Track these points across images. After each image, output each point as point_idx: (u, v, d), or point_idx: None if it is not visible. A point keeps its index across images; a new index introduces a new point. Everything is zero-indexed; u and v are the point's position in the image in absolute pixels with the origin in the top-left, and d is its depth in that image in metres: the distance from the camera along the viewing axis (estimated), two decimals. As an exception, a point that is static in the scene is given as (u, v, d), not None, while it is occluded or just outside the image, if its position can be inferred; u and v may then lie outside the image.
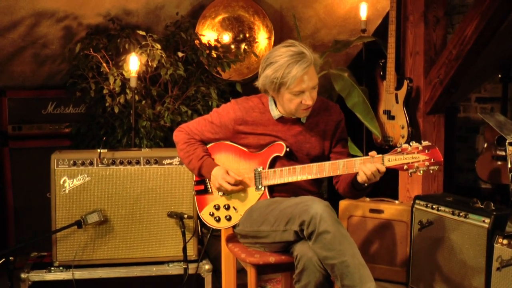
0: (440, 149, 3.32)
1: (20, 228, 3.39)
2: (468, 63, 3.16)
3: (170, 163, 2.82)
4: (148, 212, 2.81)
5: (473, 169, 4.22)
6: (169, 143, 3.25)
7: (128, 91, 3.24)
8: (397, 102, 3.34)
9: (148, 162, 2.80)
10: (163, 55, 3.20)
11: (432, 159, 2.11)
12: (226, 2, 3.65)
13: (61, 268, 2.73)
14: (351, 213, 3.25)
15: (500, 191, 4.14)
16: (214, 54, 3.43)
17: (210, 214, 2.40)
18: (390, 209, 3.18)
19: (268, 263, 2.22)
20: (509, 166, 2.70)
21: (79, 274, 2.72)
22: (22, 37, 3.28)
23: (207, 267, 2.83)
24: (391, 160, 2.14)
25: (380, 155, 2.15)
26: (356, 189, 2.25)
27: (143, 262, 2.81)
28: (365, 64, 3.72)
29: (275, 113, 2.31)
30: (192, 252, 2.84)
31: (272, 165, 2.32)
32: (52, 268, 2.73)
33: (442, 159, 2.12)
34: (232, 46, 3.69)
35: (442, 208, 2.83)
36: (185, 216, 2.76)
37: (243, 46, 3.69)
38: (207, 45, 3.46)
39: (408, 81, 3.30)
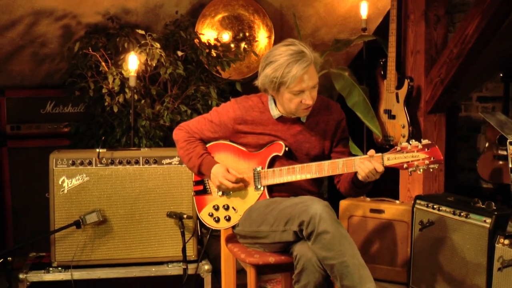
0: (441, 148, 3.35)
1: (18, 228, 3.38)
2: (469, 62, 3.15)
3: (170, 163, 2.81)
4: (147, 212, 2.80)
5: (475, 168, 4.21)
6: (168, 143, 3.25)
7: (127, 90, 3.24)
8: (397, 101, 3.33)
9: (147, 161, 2.80)
10: (163, 54, 3.20)
11: (432, 158, 2.10)
12: (226, 0, 3.65)
13: (59, 268, 2.73)
14: (352, 213, 3.24)
15: (502, 191, 4.14)
16: (213, 53, 3.43)
17: (209, 215, 2.39)
18: (390, 209, 3.17)
19: (267, 263, 2.22)
20: (510, 165, 2.69)
21: (78, 274, 2.71)
22: (20, 36, 3.28)
23: (206, 267, 2.82)
24: (391, 159, 2.13)
25: (380, 154, 2.14)
26: (357, 186, 2.24)
27: (142, 263, 2.80)
28: (365, 63, 3.72)
29: (274, 112, 2.30)
30: (191, 252, 2.83)
31: (271, 164, 2.31)
32: (51, 269, 2.72)
33: (442, 158, 2.11)
34: (232, 45, 3.68)
35: (443, 208, 2.82)
36: (185, 216, 2.76)
37: (243, 45, 3.69)
38: (207, 44, 3.46)
39: (409, 80, 3.30)
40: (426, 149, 2.11)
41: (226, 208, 2.36)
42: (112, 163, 2.77)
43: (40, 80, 3.56)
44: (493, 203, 2.67)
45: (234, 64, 3.49)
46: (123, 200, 2.77)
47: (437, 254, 2.84)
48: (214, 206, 2.38)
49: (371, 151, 2.15)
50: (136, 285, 2.77)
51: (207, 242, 2.89)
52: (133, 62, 3.11)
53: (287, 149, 2.29)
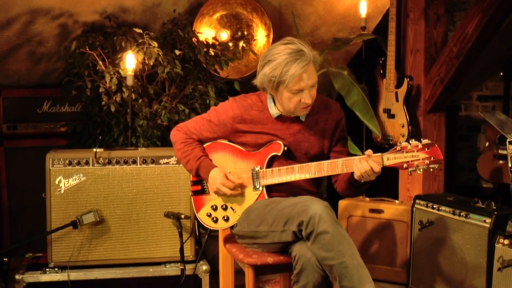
0: (441, 148, 3.33)
1: (15, 229, 3.37)
2: (469, 61, 3.14)
3: (167, 163, 2.81)
4: (144, 212, 2.79)
5: (475, 168, 4.21)
6: (166, 142, 3.24)
7: (124, 89, 3.22)
8: (397, 100, 3.33)
9: (144, 161, 2.79)
10: (160, 53, 3.19)
11: (432, 157, 2.10)
12: (224, -1, 3.64)
13: (56, 269, 2.72)
14: (351, 213, 3.23)
15: (502, 191, 4.14)
16: (211, 52, 3.42)
17: (207, 215, 2.38)
18: (390, 209, 3.17)
19: (266, 264, 2.21)
20: (510, 165, 2.69)
21: (75, 275, 2.70)
22: (17, 35, 3.27)
23: (204, 268, 2.82)
24: (390, 158, 2.12)
25: (379, 154, 2.14)
26: (353, 185, 2.24)
27: (140, 263, 2.80)
28: (365, 62, 3.71)
29: (274, 111, 2.30)
30: (189, 253, 2.83)
31: (270, 164, 2.30)
32: (47, 269, 2.72)
33: (442, 157, 2.10)
34: (230, 44, 3.67)
35: (442, 208, 2.82)
36: (182, 216, 2.75)
37: (241, 44, 3.68)
38: (205, 43, 3.45)
39: (408, 79, 3.29)
40: (426, 149, 2.10)
41: (225, 208, 2.35)
42: (109, 163, 2.76)
43: (37, 79, 3.55)
44: (493, 203, 2.67)
45: (233, 63, 3.48)
46: (121, 200, 2.77)
47: (436, 254, 2.83)
48: (212, 206, 2.37)
49: (369, 151, 2.15)
50: (134, 286, 2.76)
51: (205, 243, 2.88)
52: (130, 61, 3.10)
53: (285, 148, 2.28)
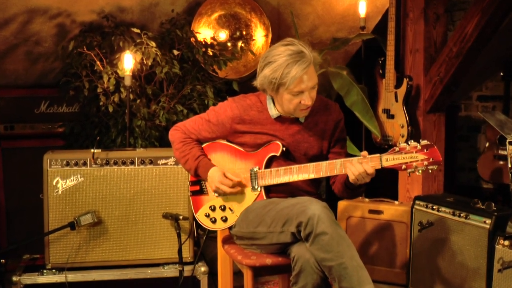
0: (440, 148, 3.34)
1: (12, 230, 3.36)
2: (469, 60, 3.14)
3: (165, 163, 2.81)
4: (142, 213, 2.79)
5: (475, 168, 4.20)
6: (164, 143, 3.24)
7: (122, 89, 3.22)
8: (396, 100, 3.32)
9: (143, 162, 2.79)
10: (158, 53, 3.19)
11: (431, 159, 2.09)
12: (222, -1, 3.64)
13: (53, 270, 2.71)
14: (350, 214, 3.22)
15: (502, 191, 4.14)
16: (210, 52, 3.42)
17: (205, 215, 2.37)
18: (389, 210, 3.16)
19: (264, 265, 2.21)
20: (510, 166, 2.68)
21: (72, 276, 2.70)
22: (14, 35, 3.26)
23: (203, 269, 2.81)
24: (389, 159, 2.12)
25: (378, 155, 2.13)
26: (349, 188, 2.24)
27: (138, 264, 2.79)
28: (364, 62, 3.70)
29: (273, 112, 2.29)
30: (187, 254, 2.82)
31: (268, 165, 2.30)
32: (45, 271, 2.71)
33: (441, 159, 2.10)
34: (229, 44, 3.67)
35: (442, 208, 2.81)
36: (181, 217, 2.75)
37: (239, 43, 3.67)
38: (203, 42, 3.45)
39: (407, 79, 3.28)
40: (425, 150, 2.10)
41: (223, 208, 2.35)
42: (107, 163, 2.76)
43: (34, 79, 3.53)
44: (493, 204, 2.66)
45: (231, 63, 3.47)
46: (118, 201, 2.77)
47: (436, 255, 2.82)
48: (210, 207, 2.36)
49: (364, 152, 2.15)
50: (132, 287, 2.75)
51: (204, 244, 2.88)
52: (128, 61, 3.10)
53: (284, 149, 2.27)
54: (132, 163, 2.77)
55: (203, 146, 2.40)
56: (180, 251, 2.70)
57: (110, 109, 3.22)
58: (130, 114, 3.14)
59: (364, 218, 3.20)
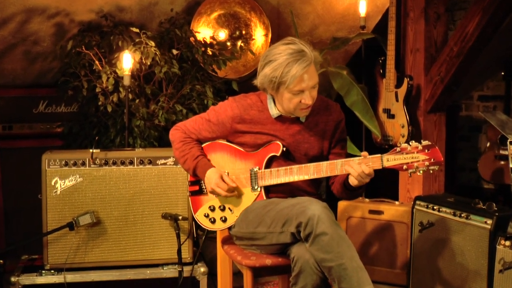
0: (441, 148, 3.33)
1: (10, 230, 3.35)
2: (470, 60, 3.14)
3: (165, 163, 2.80)
4: (141, 213, 2.79)
5: (476, 169, 4.20)
6: (163, 143, 3.24)
7: (121, 89, 3.21)
8: (397, 100, 3.32)
9: (142, 162, 2.78)
10: (157, 53, 3.18)
11: (432, 159, 2.09)
12: (222, -2, 3.63)
13: (52, 271, 2.71)
14: (350, 214, 3.22)
15: (503, 191, 4.13)
16: (209, 51, 3.41)
17: (205, 215, 2.37)
18: (390, 210, 3.15)
19: (264, 266, 2.20)
20: (511, 166, 2.67)
21: (71, 277, 2.69)
22: (12, 34, 3.26)
23: (202, 269, 2.80)
24: (390, 160, 2.11)
25: (379, 155, 2.13)
26: (348, 189, 2.23)
27: (137, 265, 2.79)
28: (364, 61, 3.70)
29: (273, 111, 2.29)
30: (187, 255, 2.81)
31: (268, 165, 2.29)
32: (43, 271, 2.71)
33: (442, 159, 2.10)
34: (228, 43, 3.67)
35: (443, 209, 2.80)
36: (180, 217, 2.74)
37: (239, 43, 3.67)
38: (203, 42, 3.44)
39: (408, 79, 3.28)
40: (426, 150, 2.09)
41: (222, 209, 2.34)
42: (106, 163, 2.75)
43: (33, 79, 3.53)
44: (494, 204, 2.65)
45: (231, 62, 3.47)
46: (117, 201, 2.76)
47: (437, 256, 2.82)
48: (210, 207, 2.36)
49: (364, 153, 2.14)
50: (130, 288, 2.75)
51: (203, 244, 2.87)
52: (127, 61, 3.09)
53: (284, 149, 2.27)
54: (131, 163, 2.77)
55: (203, 146, 2.40)
56: (179, 252, 2.70)
57: (109, 109, 3.22)
58: (129, 114, 3.13)
59: (364, 219, 3.19)
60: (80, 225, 2.69)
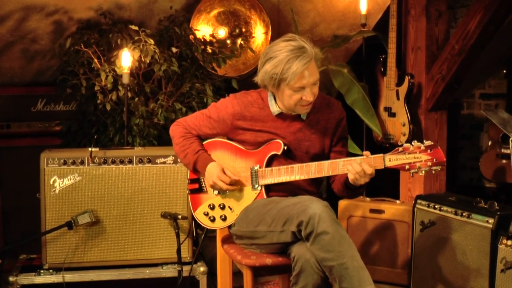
0: (442, 147, 3.32)
1: (8, 230, 3.35)
2: (472, 58, 3.13)
3: (164, 162, 2.79)
4: (141, 212, 2.78)
5: (477, 167, 4.19)
6: (163, 142, 3.25)
7: (120, 87, 3.20)
8: (398, 98, 3.31)
9: (141, 161, 2.78)
10: (157, 51, 3.18)
11: (434, 159, 2.08)
12: (221, -4, 3.63)
13: (51, 271, 2.70)
14: (351, 213, 3.21)
15: (505, 190, 4.13)
16: (209, 49, 3.41)
17: (204, 214, 2.36)
18: (391, 209, 3.15)
19: (264, 265, 2.19)
20: (512, 164, 2.67)
21: (70, 277, 2.69)
22: (10, 32, 3.25)
23: (202, 269, 2.80)
24: (392, 159, 2.11)
25: (381, 155, 2.12)
26: (348, 188, 2.23)
27: (136, 264, 2.78)
28: (365, 59, 3.69)
29: (274, 109, 2.28)
30: (186, 254, 2.81)
31: (269, 163, 2.28)
32: (42, 271, 2.70)
33: (444, 159, 2.09)
34: (228, 41, 3.66)
35: (444, 208, 2.80)
36: (179, 216, 2.74)
37: (239, 41, 3.67)
38: (202, 40, 3.44)
39: (409, 77, 3.27)
40: (428, 150, 2.09)
41: (222, 207, 2.33)
42: (105, 162, 2.74)
43: (31, 77, 3.53)
44: (496, 203, 2.64)
45: (230, 60, 3.47)
46: (116, 200, 2.75)
47: (438, 255, 2.81)
48: (209, 205, 2.35)
49: (366, 152, 2.13)
50: (130, 288, 2.75)
51: (202, 243, 2.86)
52: (126, 59, 3.08)
53: (285, 148, 2.26)
54: (130, 162, 2.76)
55: (204, 143, 2.39)
56: (178, 251, 2.69)
57: (108, 107, 3.21)
58: (128, 113, 3.12)
59: (365, 218, 3.19)
60: (79, 224, 2.68)
